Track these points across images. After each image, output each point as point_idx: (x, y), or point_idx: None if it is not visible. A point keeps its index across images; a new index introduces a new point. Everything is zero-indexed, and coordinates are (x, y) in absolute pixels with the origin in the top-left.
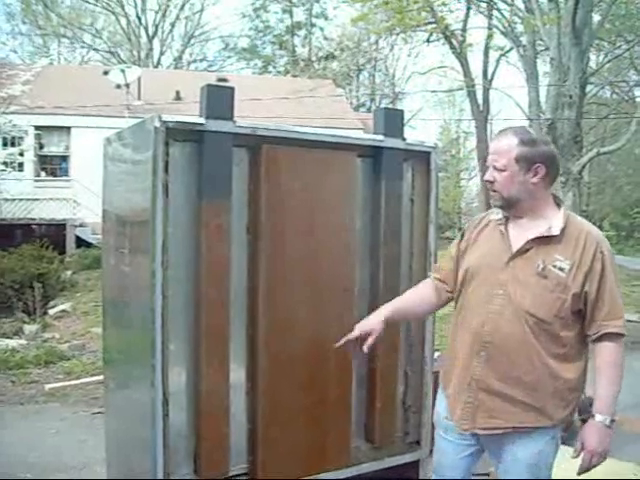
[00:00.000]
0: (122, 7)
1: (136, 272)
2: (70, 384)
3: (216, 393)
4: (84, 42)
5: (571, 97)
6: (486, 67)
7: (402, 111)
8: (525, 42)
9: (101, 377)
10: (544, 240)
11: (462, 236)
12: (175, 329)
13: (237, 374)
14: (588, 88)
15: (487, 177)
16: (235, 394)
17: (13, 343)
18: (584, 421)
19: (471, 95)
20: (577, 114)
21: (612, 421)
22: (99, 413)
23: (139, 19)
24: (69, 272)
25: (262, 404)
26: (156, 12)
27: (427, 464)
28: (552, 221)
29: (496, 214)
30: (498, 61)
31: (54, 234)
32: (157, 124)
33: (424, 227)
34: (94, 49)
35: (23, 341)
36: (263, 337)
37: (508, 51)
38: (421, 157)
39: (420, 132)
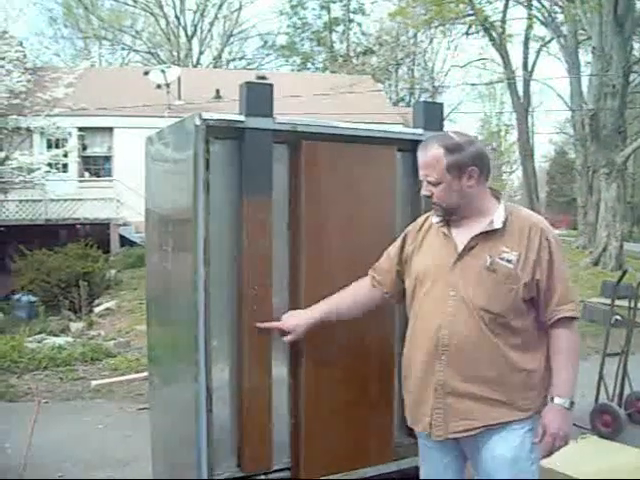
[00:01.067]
0: (161, 8)
1: (179, 269)
2: (116, 380)
3: (259, 388)
4: (124, 44)
5: (614, 87)
6: (526, 58)
7: (441, 104)
8: (566, 32)
9: (146, 374)
10: (488, 235)
11: (404, 239)
12: (218, 325)
13: (279, 369)
14: (632, 77)
15: (424, 192)
16: (277, 389)
17: (60, 340)
18: (630, 416)
19: (512, 87)
20: (620, 104)
21: (572, 403)
22: (144, 409)
23: (178, 19)
24: (113, 271)
25: (304, 399)
26: (195, 12)
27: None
28: (493, 215)
29: (436, 217)
30: (538, 52)
31: (98, 233)
32: (198, 122)
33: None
34: (134, 50)
35: (70, 338)
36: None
37: (549, 41)
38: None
39: (460, 126)
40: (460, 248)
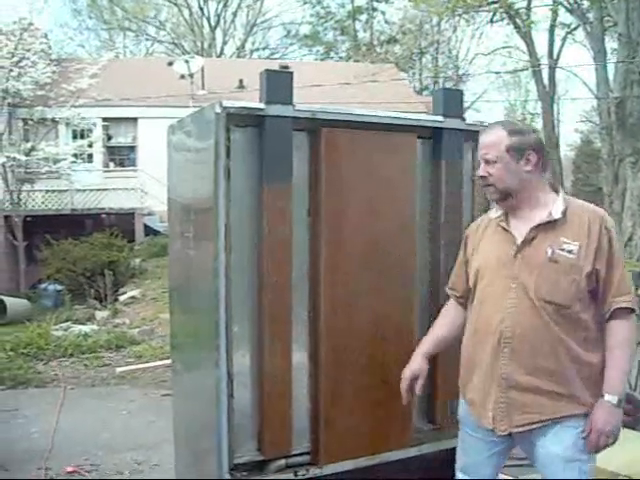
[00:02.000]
0: None
1: (200, 256)
2: (140, 367)
3: (279, 374)
4: (148, 34)
5: None
6: (552, 46)
7: (461, 91)
8: (592, 18)
9: (169, 361)
10: (548, 226)
11: (466, 242)
12: (239, 311)
13: (300, 355)
14: None
15: (480, 173)
16: (297, 375)
17: (86, 329)
18: None
19: (537, 75)
20: None
21: (620, 401)
22: (167, 395)
23: (201, 10)
24: (138, 260)
25: (324, 385)
26: (218, 2)
27: None
28: (551, 207)
29: (495, 212)
30: (564, 39)
31: (123, 223)
32: (218, 110)
33: (485, 208)
34: (158, 41)
35: (95, 327)
36: (325, 319)
37: (574, 29)
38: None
39: (485, 114)
40: (519, 240)
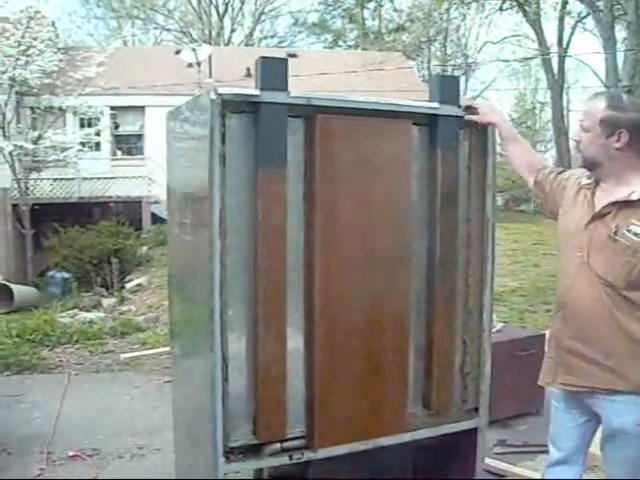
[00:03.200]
0: None
1: (196, 243)
2: (144, 354)
3: (273, 359)
4: (157, 23)
5: None
6: (561, 34)
7: (457, 77)
8: (601, 6)
9: None
10: (624, 205)
11: (569, 179)
12: (234, 296)
13: (295, 340)
14: None
15: (575, 136)
16: (292, 359)
17: (92, 316)
18: None
19: (546, 64)
20: None
21: None
22: (170, 381)
23: None
24: (145, 248)
25: (318, 370)
26: None
27: (485, 432)
28: (637, 187)
29: (587, 179)
30: (574, 28)
31: (130, 211)
32: (213, 97)
33: (481, 195)
34: (166, 29)
35: (101, 314)
36: (320, 305)
37: (584, 17)
38: (478, 124)
39: (494, 103)
40: (594, 213)
